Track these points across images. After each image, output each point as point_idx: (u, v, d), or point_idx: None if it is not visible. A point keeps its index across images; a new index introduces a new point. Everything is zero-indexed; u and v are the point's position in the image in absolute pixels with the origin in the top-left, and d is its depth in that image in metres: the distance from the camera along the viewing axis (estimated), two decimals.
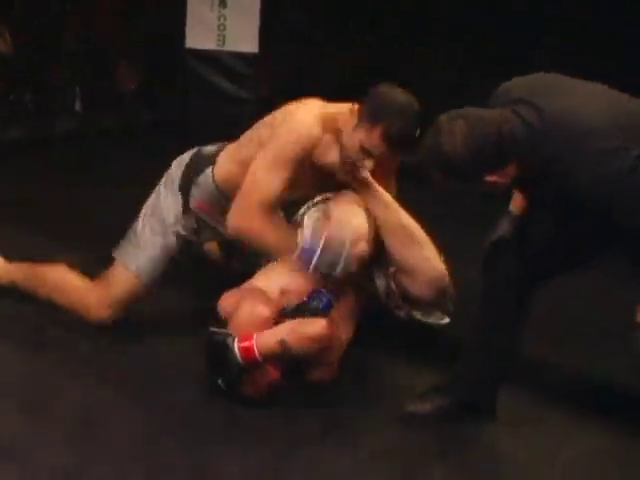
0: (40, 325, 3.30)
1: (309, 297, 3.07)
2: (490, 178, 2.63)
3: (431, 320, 3.24)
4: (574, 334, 3.60)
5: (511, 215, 2.97)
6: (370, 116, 2.90)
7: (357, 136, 2.92)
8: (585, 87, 2.72)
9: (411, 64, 6.09)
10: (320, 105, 3.12)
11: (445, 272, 3.10)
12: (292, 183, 3.04)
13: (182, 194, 3.18)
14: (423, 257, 3.09)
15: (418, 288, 3.11)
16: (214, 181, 3.18)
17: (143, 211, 3.21)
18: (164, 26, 6.37)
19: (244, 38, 6.02)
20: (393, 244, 3.07)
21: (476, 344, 3.04)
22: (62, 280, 3.26)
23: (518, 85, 2.75)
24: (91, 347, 3.17)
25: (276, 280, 3.07)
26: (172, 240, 3.17)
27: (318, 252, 2.95)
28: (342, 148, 2.99)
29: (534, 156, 2.60)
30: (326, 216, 3.06)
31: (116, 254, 3.19)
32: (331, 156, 3.07)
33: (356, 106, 2.97)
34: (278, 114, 3.11)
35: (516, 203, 2.98)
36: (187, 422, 2.80)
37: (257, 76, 6.16)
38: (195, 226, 3.26)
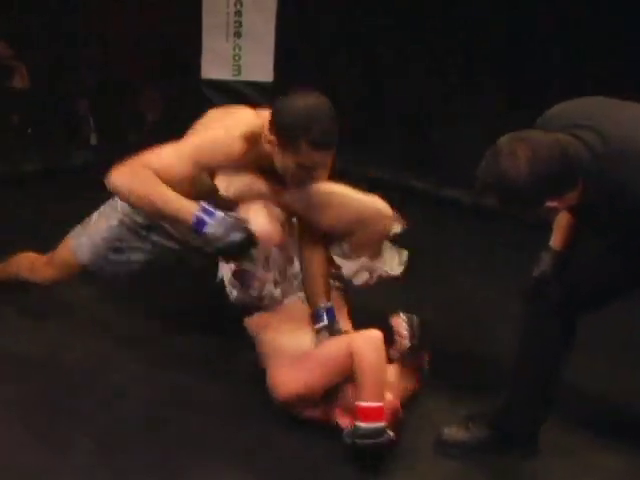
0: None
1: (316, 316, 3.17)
2: (551, 204, 2.51)
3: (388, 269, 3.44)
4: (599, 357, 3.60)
5: (552, 251, 2.92)
6: (288, 137, 2.82)
7: (288, 160, 2.88)
8: (636, 109, 2.61)
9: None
10: (247, 118, 3.04)
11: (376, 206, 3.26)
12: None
13: None
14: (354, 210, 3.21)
15: (369, 235, 3.29)
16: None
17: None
18: (182, 57, 6.37)
19: (259, 68, 5.97)
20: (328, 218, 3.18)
21: (520, 377, 3.01)
22: (22, 256, 3.55)
23: (569, 110, 2.63)
24: None
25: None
26: (114, 224, 3.23)
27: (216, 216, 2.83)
28: (282, 170, 2.96)
29: (600, 180, 2.48)
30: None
31: (71, 233, 3.35)
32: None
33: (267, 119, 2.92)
34: (209, 118, 3.16)
35: (557, 238, 2.92)
36: None
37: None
38: (143, 222, 3.26)
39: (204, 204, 2.82)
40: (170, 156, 2.89)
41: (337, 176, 5.86)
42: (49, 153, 6.02)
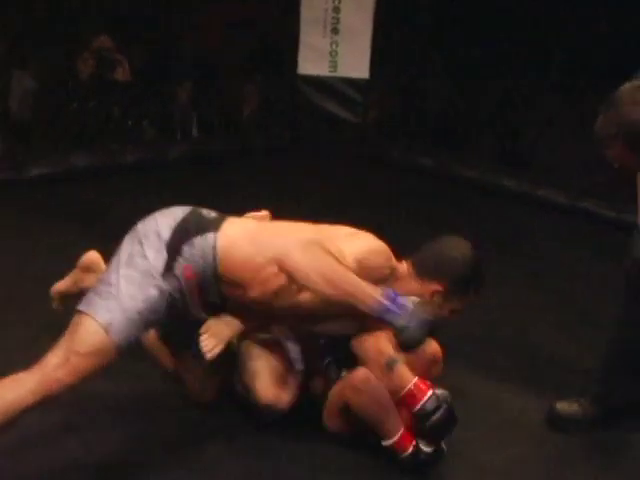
0: None
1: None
2: None
3: None
4: None
5: None
6: (461, 287, 2.86)
7: (447, 307, 2.88)
8: None
9: None
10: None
11: None
12: None
13: (168, 253, 2.61)
14: None
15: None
16: (214, 248, 2.65)
17: (114, 263, 2.62)
18: (278, 52, 6.48)
19: (355, 64, 6.07)
20: None
21: (619, 354, 3.06)
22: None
23: None
24: None
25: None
26: (154, 294, 2.58)
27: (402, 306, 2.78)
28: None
29: None
30: None
31: (81, 306, 2.55)
32: None
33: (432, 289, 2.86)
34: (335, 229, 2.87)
35: None
36: None
37: (366, 101, 6.23)
38: (178, 295, 2.69)
39: (390, 291, 2.74)
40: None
41: (430, 176, 6.02)
42: (148, 145, 6.18)
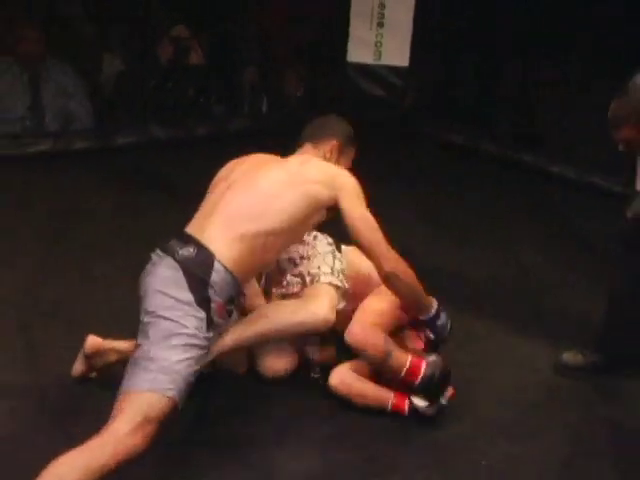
0: None
1: None
2: None
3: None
4: None
5: None
6: (349, 140, 3.14)
7: (343, 161, 3.12)
8: None
9: None
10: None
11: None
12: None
13: (203, 308, 2.58)
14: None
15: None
16: (230, 272, 2.65)
17: (153, 340, 2.50)
18: (325, 40, 6.74)
19: (397, 53, 6.29)
20: None
21: (618, 307, 3.20)
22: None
23: None
24: None
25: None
26: (201, 352, 2.58)
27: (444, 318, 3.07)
28: None
29: None
30: None
31: (131, 388, 2.43)
32: None
33: (330, 145, 3.08)
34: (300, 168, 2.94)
35: None
36: None
37: (405, 87, 6.45)
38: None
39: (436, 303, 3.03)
40: (370, 217, 2.88)
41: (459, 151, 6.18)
42: (216, 120, 6.49)
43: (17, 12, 6.04)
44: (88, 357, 3.05)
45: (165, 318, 2.51)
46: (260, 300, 3.23)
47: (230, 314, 2.77)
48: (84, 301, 3.68)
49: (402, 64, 6.33)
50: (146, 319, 2.55)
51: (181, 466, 2.67)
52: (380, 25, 6.30)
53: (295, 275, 3.20)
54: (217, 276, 2.61)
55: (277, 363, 3.17)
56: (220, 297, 2.62)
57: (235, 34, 6.77)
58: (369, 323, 3.02)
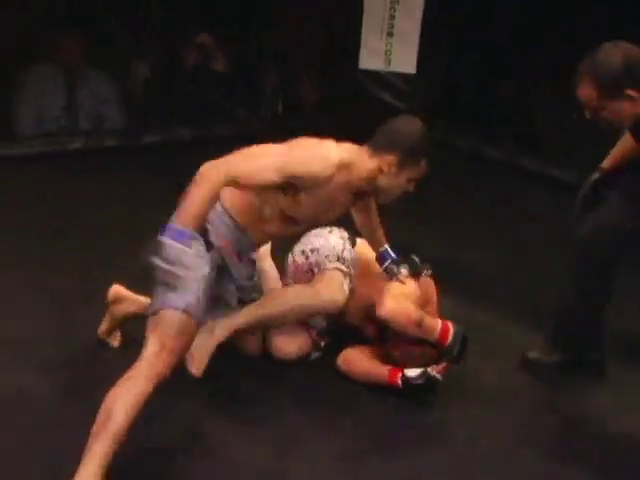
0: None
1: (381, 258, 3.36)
2: (631, 93, 2.69)
3: None
4: None
5: (601, 169, 3.15)
6: (411, 155, 2.96)
7: (404, 176, 3.00)
8: None
9: None
10: (349, 146, 3.02)
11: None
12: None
13: (202, 236, 2.71)
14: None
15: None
16: (226, 210, 2.90)
17: (163, 269, 2.58)
18: (340, 48, 6.92)
19: (405, 61, 6.52)
20: None
21: (574, 311, 3.21)
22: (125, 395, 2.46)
23: None
24: None
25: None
26: (207, 270, 2.69)
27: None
28: (382, 192, 3.06)
29: None
30: None
31: (156, 305, 2.60)
32: None
33: (387, 160, 2.96)
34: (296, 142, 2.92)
35: (608, 161, 3.12)
36: None
37: (413, 92, 6.65)
38: (221, 262, 2.94)
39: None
40: (257, 164, 2.76)
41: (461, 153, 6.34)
42: (238, 121, 6.75)
43: (58, 23, 6.43)
44: (111, 305, 3.24)
45: (174, 246, 2.58)
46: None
47: (248, 266, 3.01)
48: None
49: (410, 71, 6.55)
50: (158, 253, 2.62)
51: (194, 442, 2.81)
52: (390, 35, 6.53)
53: (305, 270, 3.29)
54: (213, 213, 2.79)
55: (289, 345, 3.25)
56: (216, 230, 2.81)
57: (257, 44, 7.03)
58: (397, 296, 3.13)
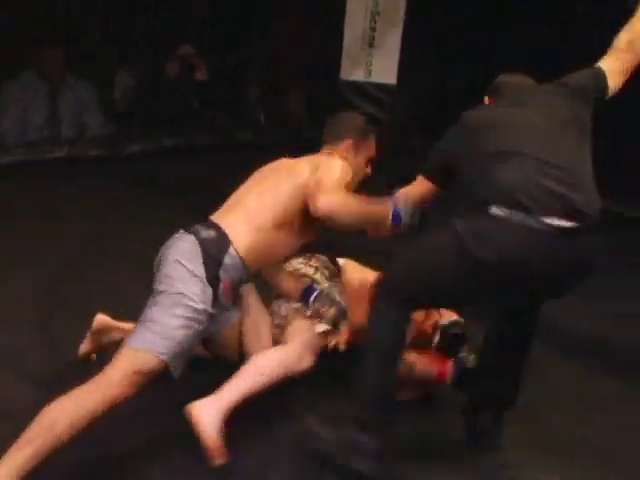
0: None
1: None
2: None
3: None
4: None
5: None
6: (363, 134, 3.06)
7: (361, 157, 3.06)
8: None
9: None
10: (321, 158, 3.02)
11: None
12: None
13: (211, 285, 2.70)
14: None
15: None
16: (241, 259, 2.78)
17: (160, 304, 2.62)
18: (322, 60, 6.96)
19: (385, 72, 6.56)
20: None
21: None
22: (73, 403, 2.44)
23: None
24: None
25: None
26: (203, 327, 2.69)
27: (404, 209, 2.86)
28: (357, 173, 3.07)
29: None
30: None
31: (135, 343, 2.57)
32: None
33: (345, 146, 3.03)
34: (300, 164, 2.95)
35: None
36: None
37: (394, 103, 6.68)
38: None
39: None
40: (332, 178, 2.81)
41: None
42: (219, 131, 6.75)
43: (40, 31, 6.40)
44: (95, 333, 3.18)
45: (176, 288, 2.63)
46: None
47: (234, 299, 2.89)
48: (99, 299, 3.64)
49: (391, 82, 6.58)
50: (160, 287, 2.67)
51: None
52: (371, 46, 6.59)
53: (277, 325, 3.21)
54: (229, 259, 2.74)
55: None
56: (228, 278, 2.75)
57: (243, 58, 7.05)
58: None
